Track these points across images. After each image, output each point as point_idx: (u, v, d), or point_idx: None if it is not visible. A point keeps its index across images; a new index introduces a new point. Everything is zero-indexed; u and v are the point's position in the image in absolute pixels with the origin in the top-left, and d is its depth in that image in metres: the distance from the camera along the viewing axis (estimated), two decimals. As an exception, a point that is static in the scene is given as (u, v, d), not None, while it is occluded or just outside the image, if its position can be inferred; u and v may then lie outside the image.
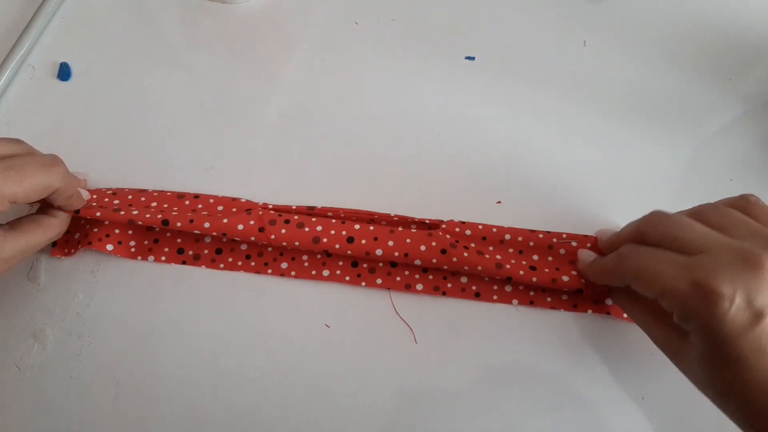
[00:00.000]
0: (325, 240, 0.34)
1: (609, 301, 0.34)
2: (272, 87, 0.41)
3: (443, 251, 0.34)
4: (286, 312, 0.35)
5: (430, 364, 0.34)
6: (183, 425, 0.34)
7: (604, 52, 0.41)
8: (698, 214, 0.29)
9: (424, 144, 0.39)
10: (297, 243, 0.34)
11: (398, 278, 0.35)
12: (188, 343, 0.35)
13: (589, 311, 0.34)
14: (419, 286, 0.35)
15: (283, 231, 0.34)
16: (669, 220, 0.29)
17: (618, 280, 0.31)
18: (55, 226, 0.33)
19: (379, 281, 0.35)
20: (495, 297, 0.35)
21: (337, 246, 0.34)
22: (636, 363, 0.34)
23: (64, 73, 0.41)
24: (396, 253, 0.34)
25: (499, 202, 0.37)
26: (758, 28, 0.42)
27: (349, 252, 0.34)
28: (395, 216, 0.36)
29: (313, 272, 0.35)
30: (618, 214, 0.36)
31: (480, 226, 0.35)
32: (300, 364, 0.34)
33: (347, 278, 0.35)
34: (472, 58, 0.41)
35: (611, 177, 0.38)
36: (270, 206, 0.36)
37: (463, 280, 0.35)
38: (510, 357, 0.34)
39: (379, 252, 0.34)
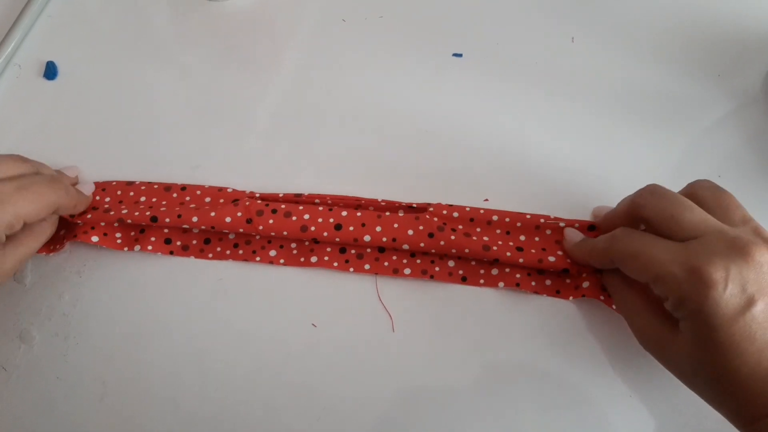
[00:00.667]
0: (312, 228, 0.34)
1: (586, 284, 0.34)
2: (260, 84, 0.40)
3: (431, 235, 0.34)
4: (272, 311, 0.35)
5: (419, 359, 0.34)
6: (170, 424, 0.34)
7: (592, 49, 0.41)
8: (694, 194, 0.30)
9: (412, 141, 0.39)
10: (285, 233, 0.35)
11: (386, 263, 0.35)
12: (175, 343, 0.35)
13: (570, 297, 0.34)
14: (407, 271, 0.35)
15: (271, 221, 0.34)
16: (666, 196, 0.29)
17: (607, 262, 0.31)
18: (46, 229, 0.34)
19: (367, 266, 0.35)
20: (481, 281, 0.35)
21: (325, 234, 0.34)
22: (624, 360, 0.34)
23: (50, 72, 0.40)
24: (384, 239, 0.34)
25: (487, 200, 0.37)
26: (747, 24, 0.42)
27: (337, 239, 0.34)
28: (382, 201, 0.36)
29: (302, 259, 0.36)
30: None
31: (467, 208, 0.36)
32: (287, 363, 0.34)
33: (335, 264, 0.35)
34: (460, 55, 0.41)
35: (600, 174, 0.38)
36: (257, 194, 0.36)
37: (451, 264, 0.35)
38: (497, 354, 0.34)
39: (367, 238, 0.34)
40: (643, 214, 0.30)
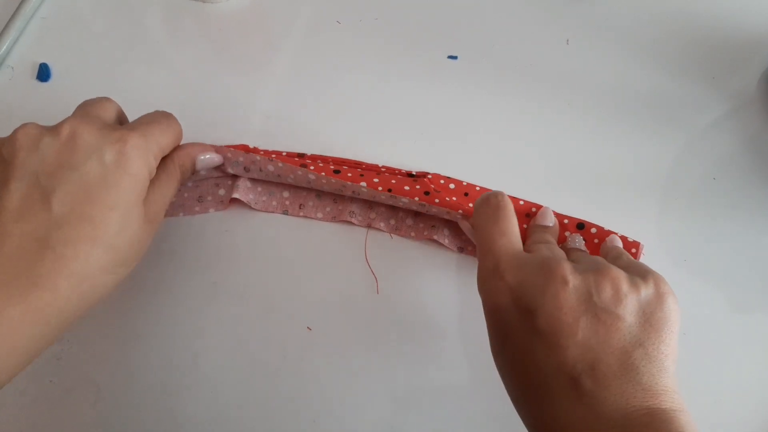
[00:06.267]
0: (311, 168, 0.35)
1: None
2: (254, 86, 0.40)
3: (426, 193, 0.34)
4: (267, 314, 0.35)
5: (418, 361, 0.34)
6: (165, 428, 0.34)
7: (586, 51, 0.41)
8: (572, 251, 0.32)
9: (406, 143, 0.39)
10: (282, 165, 0.35)
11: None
12: (169, 347, 0.35)
13: None
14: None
15: (273, 156, 0.35)
16: (549, 235, 0.33)
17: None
18: (177, 167, 0.33)
19: (363, 184, 0.35)
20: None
21: (323, 174, 0.34)
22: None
23: (43, 74, 0.40)
24: (380, 188, 0.34)
25: (482, 202, 0.37)
26: (741, 26, 0.42)
27: (333, 180, 0.34)
28: (383, 167, 0.37)
29: (296, 158, 0.35)
30: (602, 213, 0.36)
31: (464, 183, 0.36)
32: (281, 366, 0.34)
33: (333, 180, 0.35)
34: (455, 58, 0.41)
35: (595, 175, 0.38)
36: (261, 151, 0.37)
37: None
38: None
39: (363, 185, 0.34)
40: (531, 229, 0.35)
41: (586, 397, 0.25)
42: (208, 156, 0.34)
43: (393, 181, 0.35)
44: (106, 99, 0.32)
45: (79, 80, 0.41)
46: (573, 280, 0.26)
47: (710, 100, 0.40)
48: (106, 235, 0.27)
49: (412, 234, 0.36)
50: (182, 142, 0.38)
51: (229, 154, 0.35)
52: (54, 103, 0.40)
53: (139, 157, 0.28)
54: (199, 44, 0.42)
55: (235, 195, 0.36)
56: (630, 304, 0.26)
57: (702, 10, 0.42)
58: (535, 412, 0.26)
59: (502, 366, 0.28)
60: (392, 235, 0.36)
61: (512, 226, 0.30)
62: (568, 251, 0.32)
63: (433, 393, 0.34)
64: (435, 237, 0.36)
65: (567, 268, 0.26)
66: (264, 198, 0.37)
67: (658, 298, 0.26)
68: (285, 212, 0.37)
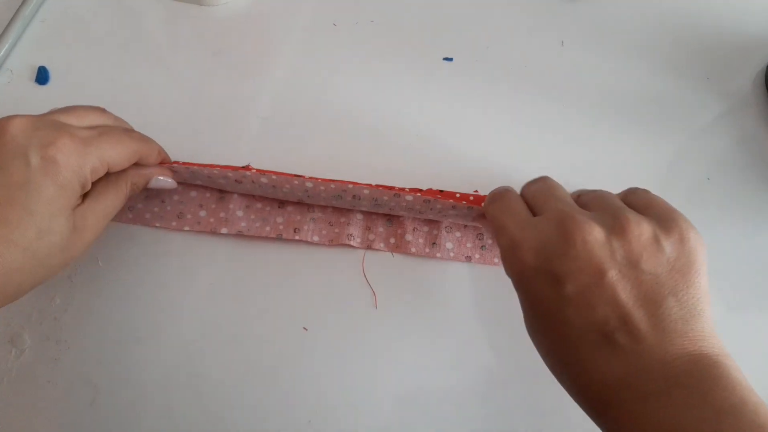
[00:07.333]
0: (306, 177, 0.34)
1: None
2: (252, 88, 0.41)
3: (419, 191, 0.34)
4: (263, 314, 0.35)
5: (412, 362, 0.34)
6: (162, 428, 0.34)
7: (581, 52, 0.41)
8: (580, 193, 0.31)
9: (403, 144, 0.39)
10: (276, 177, 0.34)
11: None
12: (166, 347, 0.35)
13: None
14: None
15: (266, 170, 0.34)
16: (546, 181, 0.31)
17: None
18: (126, 184, 0.32)
19: (366, 190, 0.34)
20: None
21: (320, 181, 0.34)
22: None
23: (42, 76, 0.41)
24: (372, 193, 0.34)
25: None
26: (736, 27, 0.42)
27: (332, 186, 0.34)
28: (373, 186, 0.36)
29: (296, 182, 0.34)
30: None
31: (458, 194, 0.35)
32: (278, 367, 0.34)
33: (332, 186, 0.34)
34: (450, 59, 0.41)
35: (590, 177, 0.38)
36: (254, 170, 0.36)
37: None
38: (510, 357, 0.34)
39: (365, 188, 0.34)
40: (524, 192, 0.32)
41: (621, 352, 0.24)
42: (164, 179, 0.34)
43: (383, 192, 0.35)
44: (95, 109, 0.32)
45: (77, 83, 0.41)
46: (592, 238, 0.25)
47: (705, 101, 0.40)
48: (23, 239, 0.26)
49: (413, 250, 0.36)
50: (180, 144, 0.39)
51: (215, 171, 0.34)
52: (52, 106, 0.40)
53: (69, 165, 0.27)
54: (197, 47, 0.42)
55: (224, 230, 0.36)
56: (655, 255, 0.25)
57: (696, 11, 0.42)
58: (573, 374, 0.26)
59: (535, 334, 0.28)
60: (393, 253, 0.37)
61: (518, 204, 0.30)
62: (578, 196, 0.31)
63: (430, 397, 0.34)
64: (438, 255, 0.36)
65: (585, 226, 0.26)
66: (257, 224, 0.37)
67: (681, 241, 0.25)
68: (279, 236, 0.36)
